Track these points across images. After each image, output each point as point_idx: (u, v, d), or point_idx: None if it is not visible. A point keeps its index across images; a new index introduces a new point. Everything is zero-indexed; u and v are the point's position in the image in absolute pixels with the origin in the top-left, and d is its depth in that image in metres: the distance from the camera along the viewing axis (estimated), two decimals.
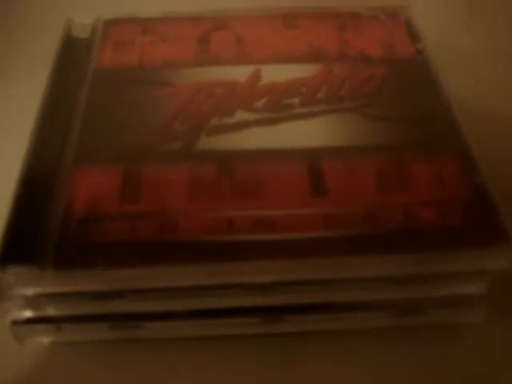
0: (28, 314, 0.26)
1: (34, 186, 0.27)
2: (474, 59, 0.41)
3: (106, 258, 0.25)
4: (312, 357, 0.28)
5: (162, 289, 0.25)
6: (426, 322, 0.28)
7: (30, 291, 0.25)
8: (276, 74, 0.32)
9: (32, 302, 0.25)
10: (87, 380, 0.27)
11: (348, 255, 0.25)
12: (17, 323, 0.26)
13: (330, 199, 0.26)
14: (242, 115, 0.30)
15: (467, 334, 0.28)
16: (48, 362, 0.28)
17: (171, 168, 0.28)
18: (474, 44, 0.43)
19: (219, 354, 0.28)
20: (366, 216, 0.26)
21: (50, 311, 0.26)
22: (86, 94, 0.31)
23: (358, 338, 0.28)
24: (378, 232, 0.25)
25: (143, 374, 0.27)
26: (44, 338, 0.27)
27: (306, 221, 0.26)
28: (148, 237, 0.25)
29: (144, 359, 0.27)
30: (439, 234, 0.25)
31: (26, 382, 0.27)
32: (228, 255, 0.25)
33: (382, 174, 0.27)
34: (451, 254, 0.25)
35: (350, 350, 0.28)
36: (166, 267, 0.24)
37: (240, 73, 0.32)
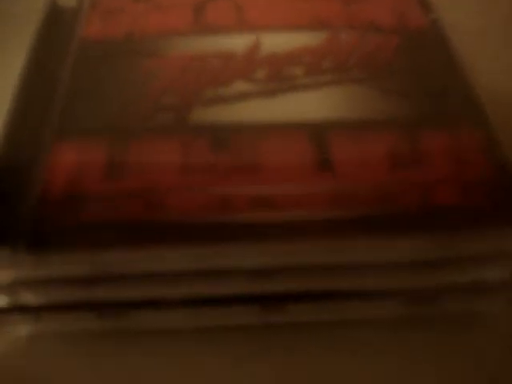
0: (3, 301, 0.23)
1: (10, 162, 0.25)
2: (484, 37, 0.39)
3: (86, 240, 0.22)
4: (315, 351, 0.25)
5: (149, 274, 0.23)
6: (441, 311, 0.25)
7: (3, 276, 0.22)
8: (277, 42, 0.30)
9: (7, 288, 0.23)
10: (68, 373, 0.25)
11: (357, 237, 0.22)
12: None
13: (337, 176, 0.24)
14: (239, 86, 0.28)
15: (486, 324, 0.26)
16: (26, 354, 0.25)
17: (161, 142, 0.25)
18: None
19: (215, 347, 0.25)
20: (377, 195, 0.23)
21: (28, 299, 0.23)
22: (70, 65, 0.29)
23: (366, 329, 0.25)
24: (390, 212, 0.23)
25: (131, 368, 0.25)
26: (21, 329, 0.25)
27: (310, 199, 0.23)
28: (134, 217, 0.23)
29: (132, 352, 0.25)
30: (458, 214, 0.23)
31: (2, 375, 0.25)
32: (222, 237, 0.22)
33: (395, 149, 0.25)
34: (472, 236, 0.22)
35: (355, 341, 0.25)
36: (153, 250, 0.22)
37: (238, 42, 0.30)
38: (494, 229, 0.22)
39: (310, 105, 0.27)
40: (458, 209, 0.23)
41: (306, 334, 0.26)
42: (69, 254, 0.22)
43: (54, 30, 0.31)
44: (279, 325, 0.25)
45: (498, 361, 0.25)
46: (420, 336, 0.25)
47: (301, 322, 0.25)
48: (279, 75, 0.28)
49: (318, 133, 0.25)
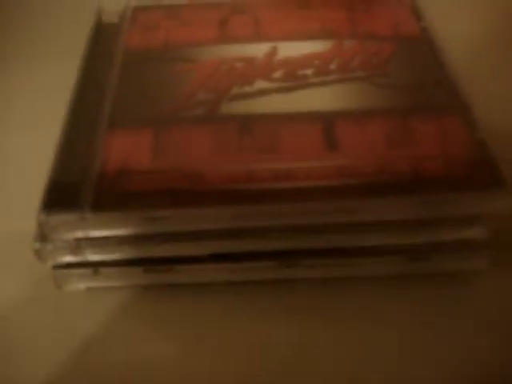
0: (68, 258, 0.29)
1: (73, 145, 0.30)
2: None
3: (139, 203, 0.27)
4: (326, 302, 0.30)
5: (190, 232, 0.28)
6: (434, 268, 0.30)
7: (70, 235, 0.28)
8: (291, 50, 0.35)
9: (72, 246, 0.28)
10: (120, 325, 0.30)
11: (360, 199, 0.27)
12: (57, 268, 0.29)
13: (343, 153, 0.29)
14: (260, 84, 0.33)
15: (474, 280, 0.30)
16: (85, 307, 0.30)
17: (196, 129, 0.30)
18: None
19: (242, 299, 0.30)
20: (375, 168, 0.28)
21: (89, 256, 0.28)
22: (117, 70, 0.34)
23: (371, 285, 0.30)
24: (385, 180, 0.28)
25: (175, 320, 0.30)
26: (81, 284, 0.30)
27: (321, 171, 0.28)
28: (175, 185, 0.28)
29: (171, 305, 0.30)
30: (443, 181, 0.28)
31: (65, 328, 0.29)
32: (248, 200, 0.27)
33: (391, 132, 0.30)
34: (454, 198, 0.27)
35: (363, 296, 0.30)
36: (193, 210, 0.27)
37: (258, 50, 0.35)
38: (471, 192, 0.27)
39: (319, 99, 0.32)
40: (442, 178, 0.28)
41: (318, 290, 0.30)
42: (123, 214, 0.27)
43: (101, 43, 0.37)
44: (294, 280, 0.30)
45: (484, 313, 0.30)
46: (416, 291, 0.30)
47: (313, 278, 0.30)
48: (293, 75, 0.33)
49: (325, 120, 0.31)
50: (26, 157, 0.37)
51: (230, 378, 0.27)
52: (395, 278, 0.30)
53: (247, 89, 0.33)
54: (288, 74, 0.33)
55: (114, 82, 0.34)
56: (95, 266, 0.29)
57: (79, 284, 0.30)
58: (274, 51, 0.35)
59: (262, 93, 0.33)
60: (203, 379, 0.27)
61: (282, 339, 0.29)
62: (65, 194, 0.28)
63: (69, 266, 0.29)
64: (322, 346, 0.28)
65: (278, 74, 0.33)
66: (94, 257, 0.29)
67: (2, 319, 0.30)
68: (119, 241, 0.28)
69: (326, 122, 0.30)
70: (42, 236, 0.28)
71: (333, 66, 0.34)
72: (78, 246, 0.28)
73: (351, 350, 0.28)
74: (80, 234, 0.28)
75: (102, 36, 0.38)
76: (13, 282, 0.31)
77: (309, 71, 0.34)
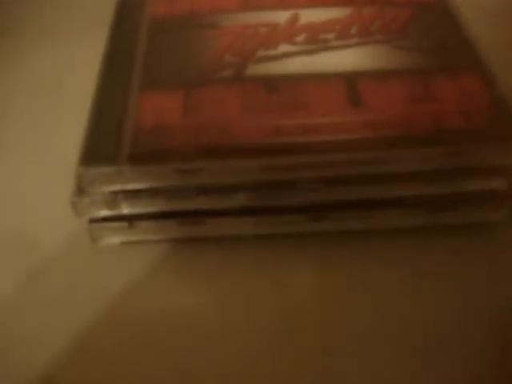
0: (104, 212, 0.30)
1: (107, 106, 0.31)
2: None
3: (173, 156, 0.28)
4: (355, 254, 0.31)
5: (221, 185, 0.29)
6: (456, 219, 0.31)
7: (107, 188, 0.29)
8: (312, 16, 0.36)
9: (108, 200, 0.29)
10: (154, 277, 0.31)
11: (385, 150, 0.28)
12: (93, 221, 0.30)
13: (367, 109, 0.30)
14: (284, 48, 0.34)
15: (494, 232, 0.31)
16: (119, 261, 0.31)
17: (224, 89, 0.32)
18: None
19: (271, 251, 0.31)
20: (399, 122, 0.29)
21: (124, 209, 0.30)
22: (144, 38, 0.36)
23: (398, 237, 0.31)
24: (410, 133, 0.29)
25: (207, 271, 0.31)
26: (116, 238, 0.31)
27: (346, 126, 0.29)
28: (208, 140, 0.29)
29: (203, 257, 0.31)
30: (463, 134, 0.29)
31: (99, 282, 0.31)
32: (276, 153, 0.28)
33: (412, 89, 0.31)
34: (473, 149, 0.28)
35: (389, 248, 0.31)
36: (224, 162, 0.28)
37: (281, 16, 0.36)
38: (491, 145, 0.28)
39: (341, 60, 0.33)
40: (462, 131, 0.29)
41: (346, 242, 0.31)
42: (158, 167, 0.28)
43: (127, 14, 0.38)
44: (323, 233, 0.31)
45: (504, 264, 0.31)
46: (439, 242, 0.31)
47: (341, 231, 0.31)
48: (315, 39, 0.35)
49: (348, 79, 0.32)
50: (64, 118, 0.38)
51: (262, 324, 0.29)
52: (419, 229, 0.31)
53: (271, 52, 0.34)
54: (310, 38, 0.35)
55: (143, 48, 0.35)
56: (130, 219, 0.30)
57: (114, 238, 0.31)
58: (296, 17, 0.36)
59: (286, 55, 0.34)
60: (235, 327, 0.29)
61: (306, 288, 0.30)
62: (102, 149, 0.29)
63: (104, 219, 0.30)
64: (343, 293, 0.30)
65: (300, 38, 0.35)
66: (129, 210, 0.30)
67: (42, 272, 0.31)
68: (154, 194, 0.29)
69: (349, 81, 0.32)
70: (80, 190, 0.29)
71: (353, 31, 0.35)
72: (113, 199, 0.29)
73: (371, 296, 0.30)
74: (117, 187, 0.29)
75: (128, 8, 0.39)
76: (51, 236, 0.32)
77: (330, 35, 0.35)
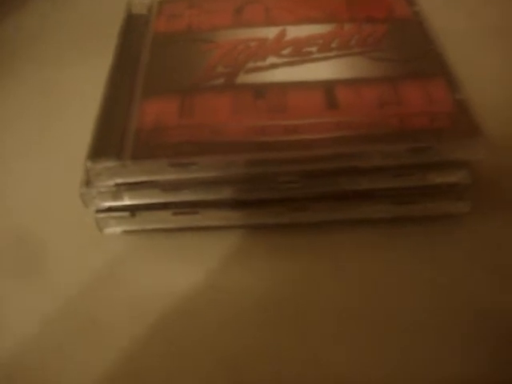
0: (109, 203, 0.34)
1: (113, 110, 0.36)
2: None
3: (170, 152, 0.32)
4: (332, 243, 0.35)
5: (213, 179, 0.33)
6: (425, 211, 0.34)
7: (112, 181, 0.33)
8: (298, 32, 0.40)
9: (112, 191, 0.33)
10: (154, 264, 0.35)
11: (356, 147, 0.32)
12: (99, 211, 0.34)
13: (341, 111, 0.34)
14: (271, 60, 0.38)
15: (459, 223, 0.35)
16: (123, 248, 0.35)
17: (217, 95, 0.36)
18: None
19: (255, 241, 0.35)
20: (369, 122, 0.33)
21: (126, 200, 0.34)
22: (147, 50, 0.40)
23: (368, 227, 0.35)
24: (380, 132, 0.33)
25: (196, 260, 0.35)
26: (119, 228, 0.35)
27: (323, 126, 0.33)
28: (200, 138, 0.33)
29: (192, 244, 0.35)
30: (427, 132, 0.33)
31: (106, 267, 0.35)
32: (263, 149, 0.32)
33: (382, 94, 0.35)
34: (436, 145, 0.32)
35: (362, 236, 0.35)
36: (214, 157, 0.32)
37: (269, 32, 0.40)
38: (453, 140, 0.32)
39: (322, 70, 0.37)
40: (426, 129, 0.33)
41: (324, 233, 0.35)
42: (157, 162, 0.32)
43: (132, 30, 0.43)
44: (302, 224, 0.35)
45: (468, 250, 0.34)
46: (408, 231, 0.35)
47: (319, 222, 0.35)
48: (299, 52, 0.39)
49: (327, 86, 0.36)
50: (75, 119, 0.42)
51: (244, 310, 0.32)
52: (393, 220, 0.35)
53: (260, 63, 0.38)
54: (295, 51, 0.39)
55: (146, 59, 0.39)
56: (132, 209, 0.34)
57: (117, 227, 0.35)
58: (283, 33, 0.40)
59: (273, 66, 0.38)
60: (221, 311, 0.32)
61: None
62: (108, 145, 0.33)
63: (109, 209, 0.34)
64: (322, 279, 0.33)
65: (286, 51, 0.39)
66: (131, 201, 0.34)
67: (54, 260, 0.35)
68: (152, 186, 0.33)
69: (327, 87, 0.35)
70: (88, 182, 0.33)
71: (334, 45, 0.39)
72: (117, 191, 0.33)
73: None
74: (120, 179, 0.33)
75: (133, 25, 0.43)
76: (61, 227, 0.36)
77: (313, 48, 0.39)
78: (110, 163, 0.32)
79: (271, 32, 0.40)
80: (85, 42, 0.50)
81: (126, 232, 0.35)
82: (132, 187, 0.33)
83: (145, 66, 0.39)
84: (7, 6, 0.56)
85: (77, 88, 0.46)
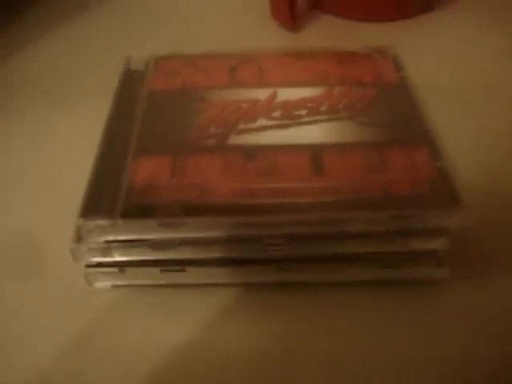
0: (98, 259, 0.34)
1: (106, 167, 0.37)
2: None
3: (160, 212, 0.33)
4: (319, 304, 0.36)
5: (200, 238, 0.34)
6: (407, 275, 0.35)
7: (102, 238, 0.34)
8: (289, 94, 0.42)
9: (103, 248, 0.34)
10: (141, 319, 0.35)
11: (341, 212, 0.33)
12: (89, 266, 0.35)
13: (327, 177, 0.35)
14: (262, 122, 0.39)
15: (440, 287, 0.36)
16: (112, 302, 0.36)
17: (208, 155, 0.37)
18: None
19: (241, 300, 0.36)
20: (353, 188, 0.34)
21: (116, 257, 0.34)
22: (142, 108, 0.41)
23: (354, 289, 0.36)
24: (362, 198, 0.34)
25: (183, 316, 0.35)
26: (108, 282, 0.36)
27: (309, 191, 0.34)
28: (190, 199, 0.34)
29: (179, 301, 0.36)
30: (409, 199, 0.34)
31: (94, 321, 0.35)
32: (250, 211, 0.33)
33: (367, 160, 0.36)
34: (418, 213, 0.33)
35: (347, 298, 0.36)
36: (202, 219, 0.33)
37: (261, 93, 0.42)
38: (433, 208, 0.33)
39: (310, 134, 0.39)
40: (408, 197, 0.34)
41: (310, 292, 0.36)
42: (146, 221, 0.33)
43: (129, 86, 0.44)
44: (289, 283, 0.36)
45: (447, 316, 0.35)
46: (392, 294, 0.36)
47: (306, 282, 0.36)
48: (289, 115, 0.40)
49: (314, 150, 0.37)
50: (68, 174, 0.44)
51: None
52: (377, 282, 0.36)
53: (251, 125, 0.39)
54: (285, 114, 0.40)
55: (140, 117, 0.40)
56: (121, 265, 0.35)
57: (106, 282, 0.36)
58: (274, 95, 0.42)
59: (263, 128, 0.39)
60: (208, 362, 0.33)
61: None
62: (100, 203, 0.34)
63: (99, 265, 0.35)
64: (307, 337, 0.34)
65: (276, 114, 0.40)
66: (120, 257, 0.34)
67: (44, 311, 0.36)
68: (142, 244, 0.34)
69: (314, 152, 0.37)
70: (78, 238, 0.34)
71: (323, 108, 0.41)
72: (107, 247, 0.34)
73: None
74: (111, 237, 0.34)
75: (130, 80, 0.45)
76: (51, 279, 0.37)
77: (303, 112, 0.40)
78: (101, 222, 0.33)
79: (263, 93, 0.42)
80: (87, 85, 0.52)
81: (115, 286, 0.36)
82: (122, 244, 0.34)
83: (139, 123, 0.40)
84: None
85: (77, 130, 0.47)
